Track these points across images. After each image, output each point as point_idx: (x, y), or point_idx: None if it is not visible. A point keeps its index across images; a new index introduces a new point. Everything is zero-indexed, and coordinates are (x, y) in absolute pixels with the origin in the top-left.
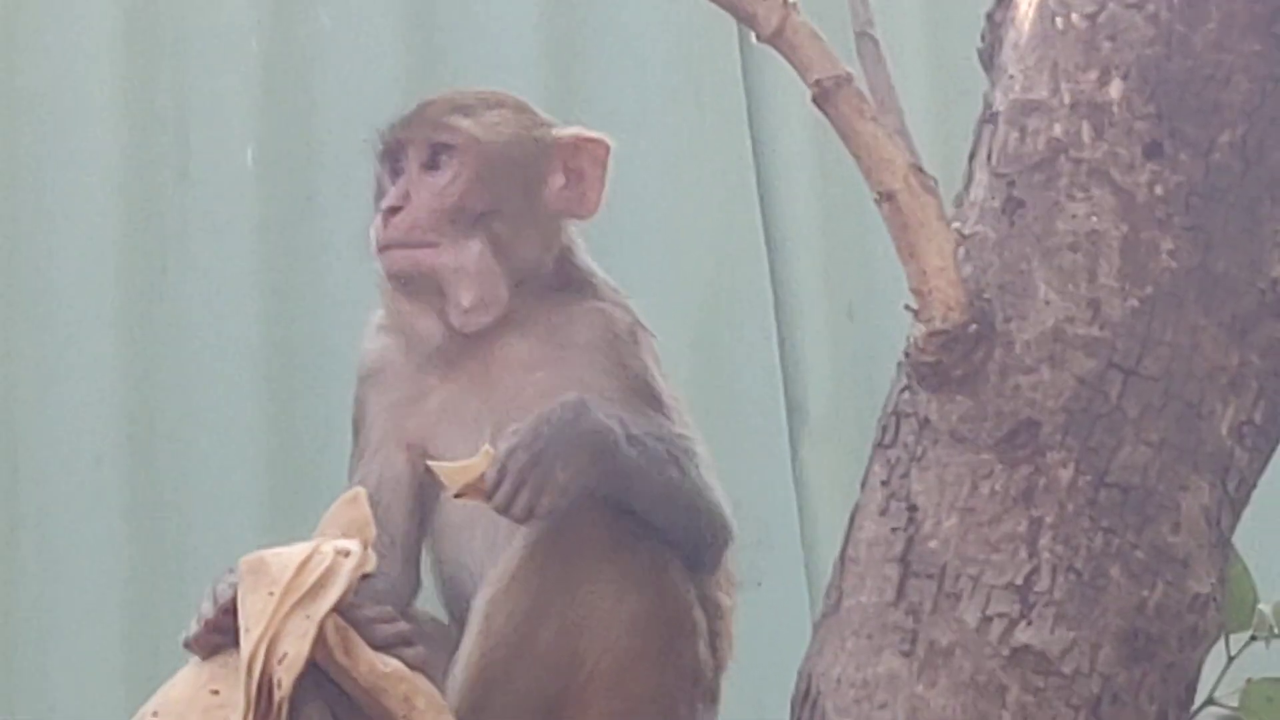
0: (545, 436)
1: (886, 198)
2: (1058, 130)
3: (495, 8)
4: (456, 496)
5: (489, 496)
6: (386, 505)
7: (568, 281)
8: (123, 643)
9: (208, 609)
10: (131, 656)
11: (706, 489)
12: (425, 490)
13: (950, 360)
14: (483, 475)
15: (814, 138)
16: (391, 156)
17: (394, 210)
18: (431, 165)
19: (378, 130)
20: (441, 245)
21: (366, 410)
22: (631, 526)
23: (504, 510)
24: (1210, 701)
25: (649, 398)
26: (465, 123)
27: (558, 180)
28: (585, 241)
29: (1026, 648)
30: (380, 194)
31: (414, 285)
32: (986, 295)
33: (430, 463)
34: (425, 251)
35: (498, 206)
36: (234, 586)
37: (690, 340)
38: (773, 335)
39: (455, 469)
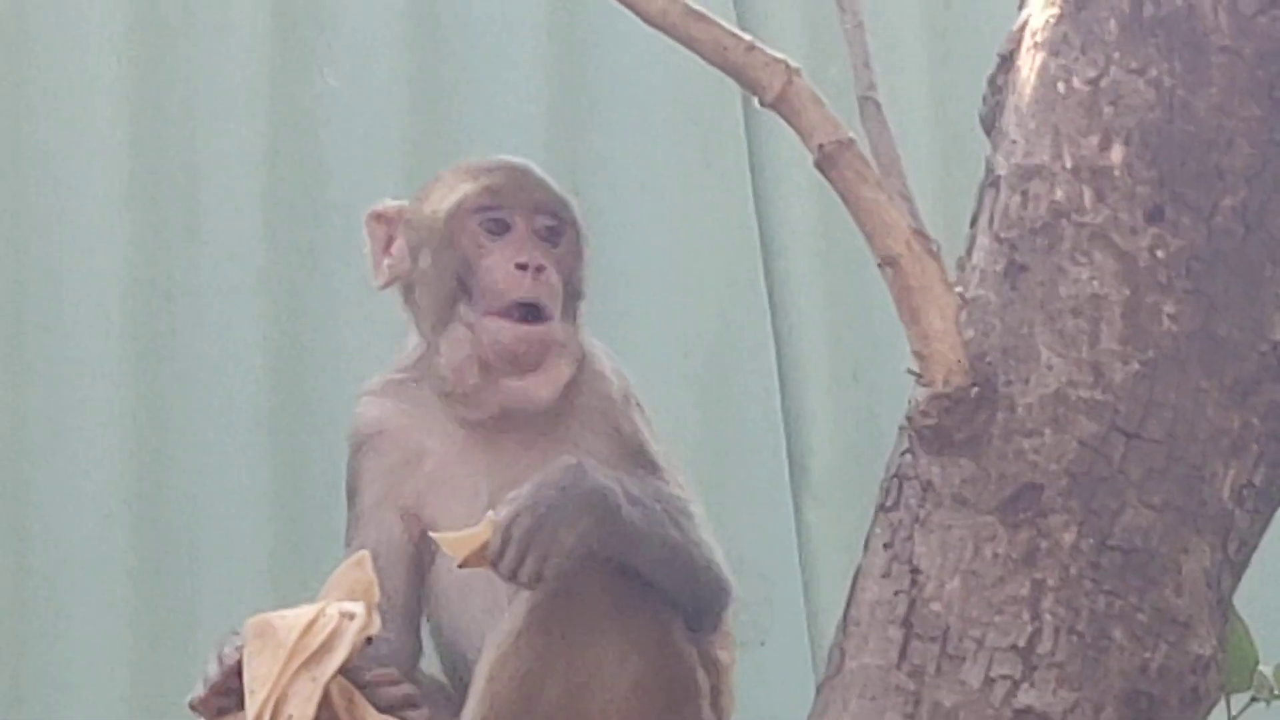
0: (547, 500)
1: (889, 262)
2: (1059, 195)
3: (501, 70)
4: (460, 566)
5: (494, 564)
6: (384, 570)
7: None
8: (129, 702)
9: (213, 671)
10: (138, 714)
11: (706, 549)
12: (422, 555)
13: (952, 423)
14: (486, 543)
15: (817, 200)
16: (491, 213)
17: (540, 269)
18: (549, 237)
19: (482, 188)
20: (552, 325)
21: (362, 476)
22: (633, 588)
23: (510, 577)
24: None
25: (645, 460)
26: (572, 199)
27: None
28: (592, 300)
29: (1029, 709)
30: (466, 252)
31: (519, 359)
32: (989, 359)
33: (432, 534)
34: (546, 329)
35: (583, 290)
36: (239, 649)
37: (694, 399)
38: (776, 395)
39: (458, 539)
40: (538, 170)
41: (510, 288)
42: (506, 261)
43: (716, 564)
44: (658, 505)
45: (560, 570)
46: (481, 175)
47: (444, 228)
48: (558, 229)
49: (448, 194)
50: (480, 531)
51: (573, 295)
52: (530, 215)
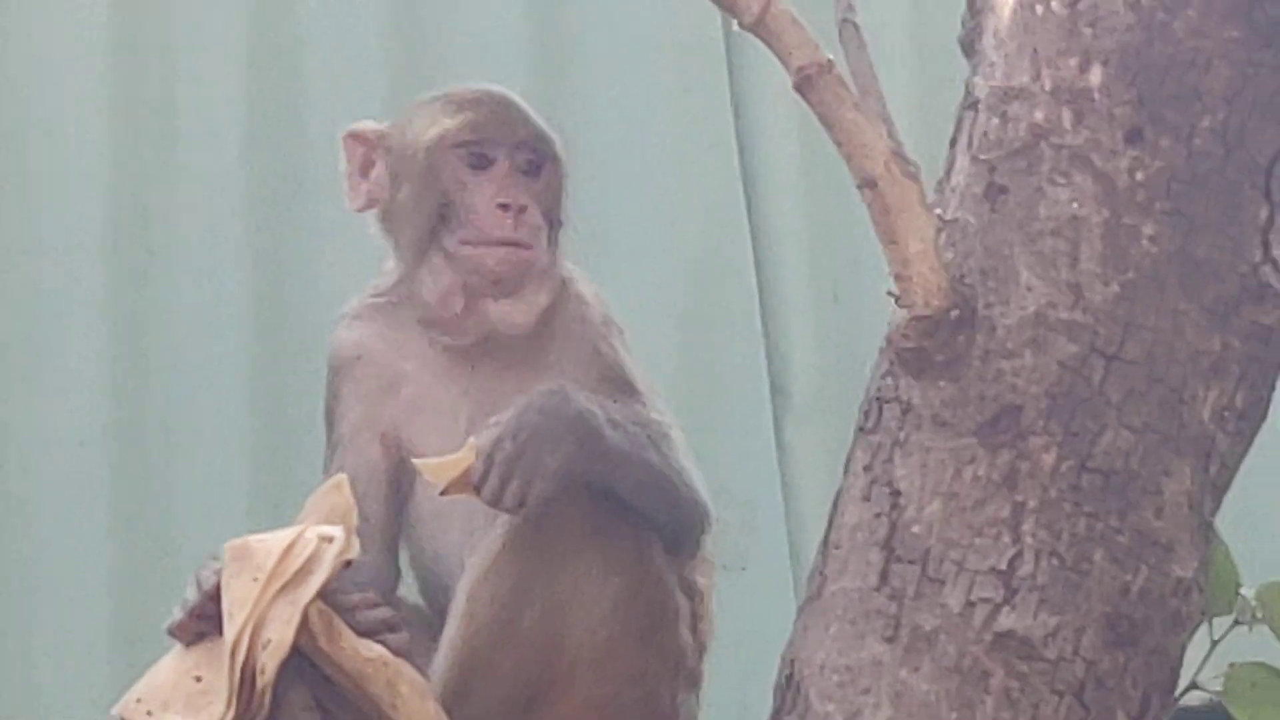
0: (529, 425)
1: (868, 184)
2: (1039, 116)
3: (475, 6)
4: (443, 493)
5: (478, 490)
6: (363, 495)
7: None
8: (108, 628)
9: (192, 595)
10: (116, 641)
11: (685, 473)
12: (401, 479)
13: (932, 346)
14: (469, 469)
15: (798, 124)
16: (473, 148)
17: (522, 209)
18: (530, 171)
19: (463, 123)
20: (536, 249)
21: (340, 400)
22: (612, 511)
23: (495, 502)
24: (1194, 686)
25: (624, 385)
26: (552, 132)
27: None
28: (573, 226)
29: (1010, 633)
30: (447, 186)
31: (500, 284)
32: (968, 281)
33: (415, 461)
34: (530, 253)
35: (563, 218)
36: (218, 573)
37: (675, 324)
38: (757, 319)
39: (440, 464)
40: (520, 102)
41: (493, 228)
42: (489, 200)
43: (695, 488)
44: (638, 429)
45: (544, 495)
46: (464, 108)
47: (424, 160)
48: (538, 162)
49: (429, 125)
50: (462, 457)
51: (553, 225)
52: (512, 150)
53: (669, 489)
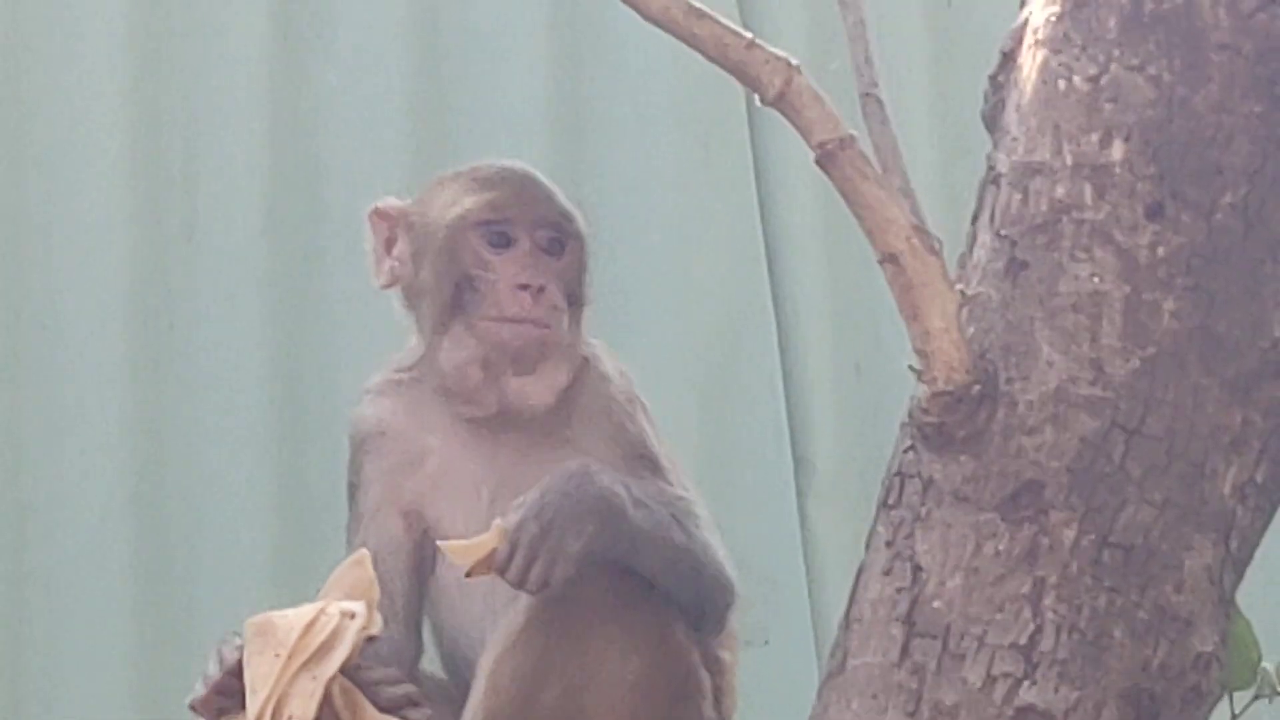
0: (553, 506)
1: (890, 259)
2: (1060, 192)
3: (503, 69)
4: (468, 575)
5: (502, 572)
6: (385, 571)
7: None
8: (130, 703)
9: (214, 670)
10: (139, 718)
11: (711, 550)
12: (424, 555)
13: (954, 421)
14: (493, 551)
15: (820, 198)
16: (494, 227)
17: (541, 289)
18: (552, 250)
19: (487, 201)
20: (555, 328)
21: (363, 475)
22: (635, 587)
23: (519, 584)
24: None
25: (648, 462)
26: (575, 211)
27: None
28: (597, 297)
29: (1031, 708)
30: (468, 266)
31: (519, 360)
32: (990, 356)
33: (440, 543)
34: (548, 332)
35: (585, 298)
36: (240, 649)
37: (698, 397)
38: (780, 392)
39: (465, 547)
40: (541, 180)
41: (513, 308)
42: (509, 280)
43: (721, 565)
44: (662, 507)
45: (567, 577)
46: (486, 187)
47: (445, 239)
48: (561, 240)
49: (450, 205)
50: (487, 539)
51: (575, 303)
52: (533, 229)
53: (694, 567)
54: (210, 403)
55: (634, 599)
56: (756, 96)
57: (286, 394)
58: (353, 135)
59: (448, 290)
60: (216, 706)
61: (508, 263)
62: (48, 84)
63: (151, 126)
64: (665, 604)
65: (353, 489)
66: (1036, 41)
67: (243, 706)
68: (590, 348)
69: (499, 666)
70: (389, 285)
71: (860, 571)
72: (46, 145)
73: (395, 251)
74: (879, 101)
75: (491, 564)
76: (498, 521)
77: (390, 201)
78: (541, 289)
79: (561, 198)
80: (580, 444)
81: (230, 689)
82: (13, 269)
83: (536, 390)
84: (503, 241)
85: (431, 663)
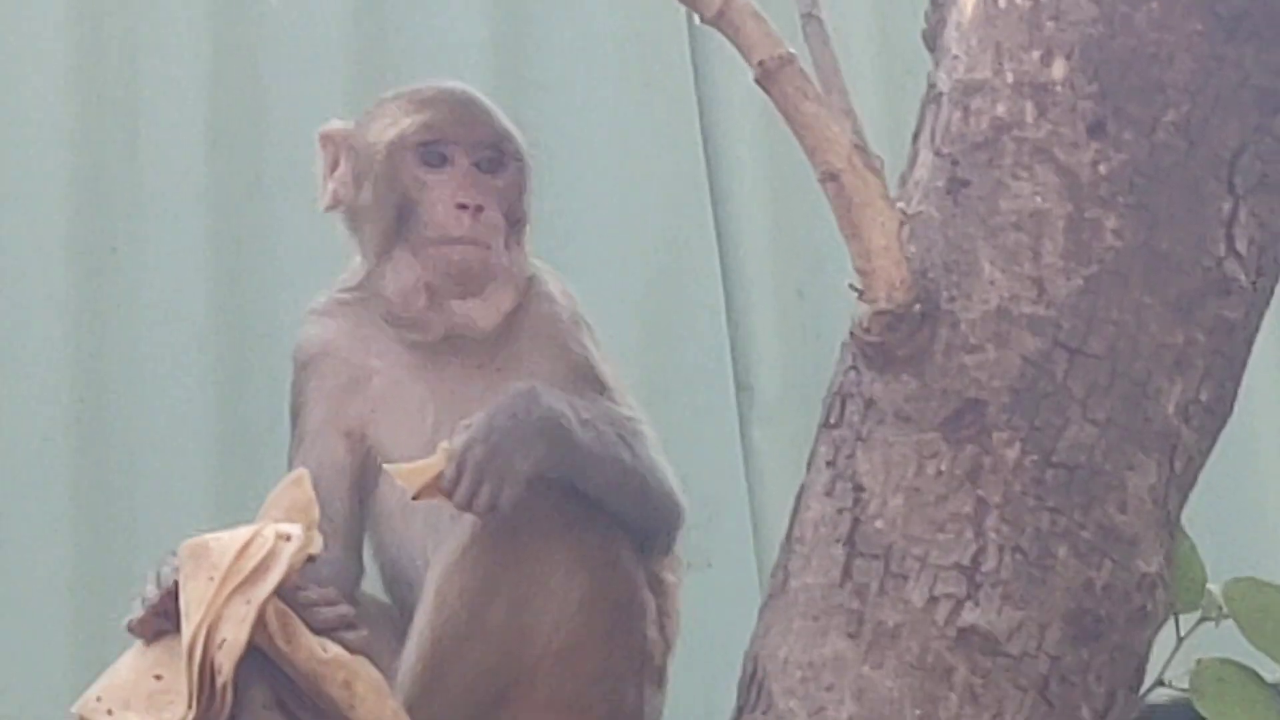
0: (500, 428)
1: (830, 178)
2: (1001, 110)
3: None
4: (415, 498)
5: (449, 494)
6: (327, 492)
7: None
8: (69, 624)
9: (151, 592)
10: (78, 638)
11: (658, 470)
12: (366, 476)
13: (895, 340)
14: (440, 474)
15: (762, 120)
16: (431, 147)
17: (479, 209)
18: (490, 169)
19: (419, 123)
20: (496, 248)
21: (306, 396)
22: (581, 506)
23: (466, 506)
24: (1160, 683)
25: (594, 381)
26: (514, 130)
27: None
28: (539, 220)
29: (973, 628)
30: (404, 187)
31: (463, 283)
32: (931, 275)
33: (386, 466)
34: (489, 252)
35: (526, 216)
36: (177, 570)
37: (640, 320)
38: (722, 315)
39: (411, 470)
40: (479, 99)
41: (450, 227)
42: (447, 199)
43: (668, 485)
44: (609, 427)
45: (515, 498)
46: (423, 107)
47: (384, 161)
48: (499, 160)
49: (388, 126)
50: (434, 462)
51: (516, 223)
52: (470, 149)
53: (641, 486)
54: (153, 325)
55: (580, 519)
56: (696, 15)
57: (229, 316)
58: (295, 56)
59: (388, 212)
60: (154, 628)
61: (445, 183)
62: None
63: (92, 47)
64: (611, 525)
65: (295, 410)
66: None
67: (180, 628)
68: (534, 269)
69: (445, 584)
70: (332, 207)
71: (801, 492)
72: None
73: (337, 173)
74: (819, 21)
75: (438, 486)
76: (444, 444)
77: (335, 124)
78: (480, 208)
79: (500, 117)
80: (526, 365)
81: (168, 610)
82: None
83: (481, 312)
84: (440, 161)
85: (373, 585)
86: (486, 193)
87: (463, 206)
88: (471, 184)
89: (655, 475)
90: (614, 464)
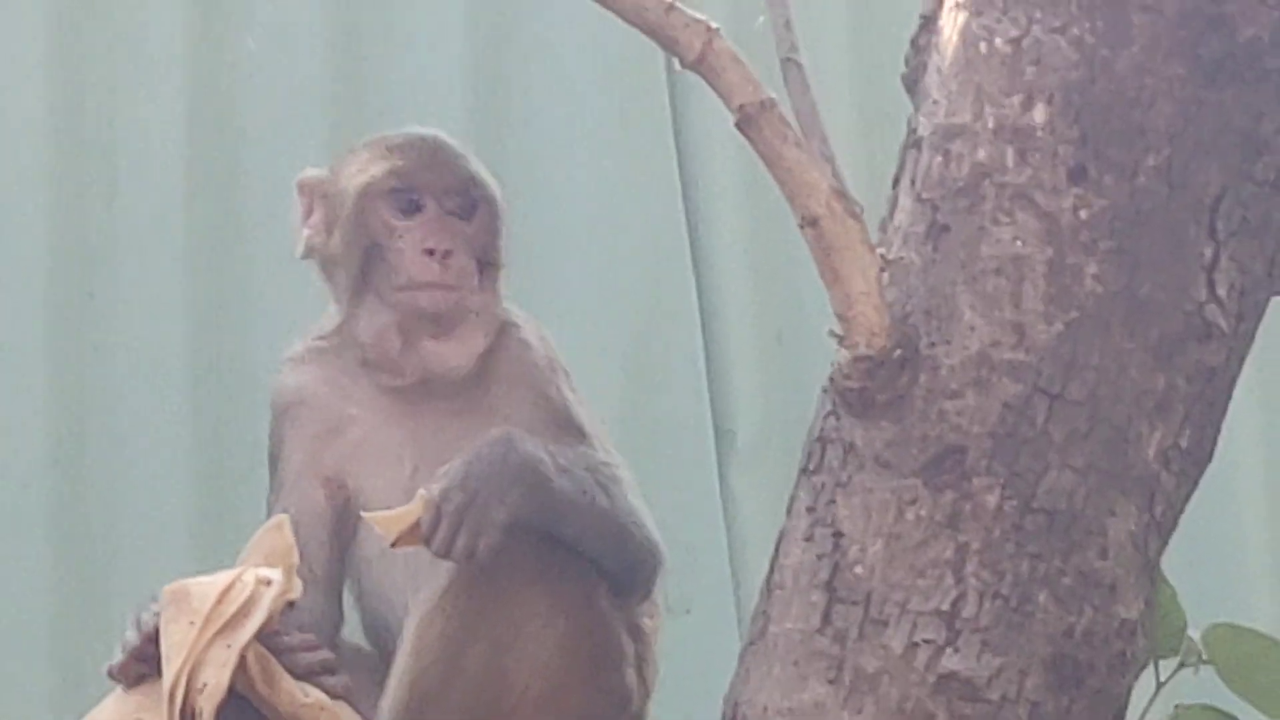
0: (478, 475)
1: (810, 223)
2: (981, 155)
3: (421, 32)
4: (393, 546)
5: (427, 542)
6: (306, 539)
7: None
8: (48, 669)
9: (132, 637)
10: (57, 683)
11: (636, 516)
12: (345, 523)
13: (875, 386)
14: (418, 521)
15: (741, 163)
16: (401, 195)
17: (447, 254)
18: (461, 215)
19: (388, 171)
20: (467, 289)
21: (284, 444)
22: (559, 552)
23: (444, 554)
24: None
25: (571, 428)
26: (484, 174)
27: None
28: (516, 265)
29: (953, 674)
30: (374, 234)
31: (434, 324)
32: (911, 320)
33: (364, 514)
34: (459, 293)
35: (498, 259)
36: (157, 615)
37: (619, 365)
38: (700, 361)
39: (390, 517)
40: (450, 145)
41: (419, 273)
42: (415, 246)
43: (647, 530)
44: (587, 474)
45: (492, 546)
46: (392, 154)
47: (354, 207)
48: (469, 205)
49: (359, 173)
50: (412, 509)
51: (488, 266)
52: (441, 195)
53: (619, 532)
54: (130, 370)
55: (558, 564)
56: (676, 60)
57: (207, 362)
58: (272, 102)
59: (358, 258)
60: (135, 673)
61: (415, 229)
62: None
63: (71, 93)
64: (589, 570)
65: (274, 457)
66: (957, 4)
67: (160, 673)
68: (509, 314)
69: (424, 630)
70: (306, 255)
71: (781, 538)
72: None
73: (311, 220)
74: (799, 66)
75: (416, 534)
76: (422, 491)
77: (310, 172)
78: (448, 253)
79: (471, 162)
80: (503, 411)
81: (149, 655)
82: None
83: (454, 354)
84: (411, 208)
85: (353, 633)
86: (456, 238)
87: (430, 252)
88: (440, 229)
89: (634, 521)
90: (591, 510)
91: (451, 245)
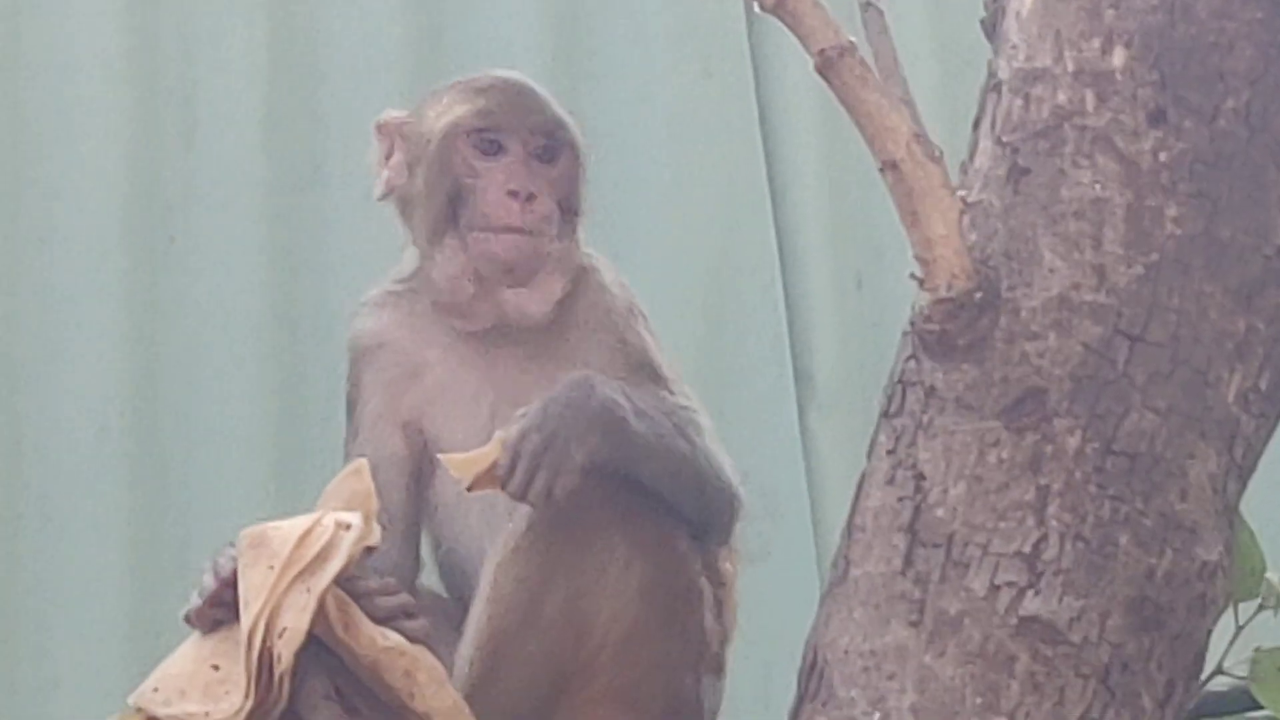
0: (555, 418)
1: (890, 166)
2: (1062, 98)
3: None
4: (469, 489)
5: (503, 485)
6: (383, 483)
7: (581, 270)
8: (126, 615)
9: (209, 583)
10: (134, 629)
11: (714, 459)
12: (422, 468)
13: (956, 328)
14: (494, 464)
15: (820, 107)
16: (486, 134)
17: (530, 198)
18: (544, 158)
19: (474, 111)
20: (548, 237)
21: (361, 388)
22: (637, 496)
23: (520, 497)
24: (1219, 671)
25: (650, 372)
26: (569, 118)
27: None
28: (596, 212)
29: (1035, 617)
30: (459, 172)
31: (511, 272)
32: (992, 263)
33: (440, 456)
34: (540, 240)
35: (580, 206)
36: (235, 560)
37: (698, 311)
38: (780, 305)
39: (466, 460)
40: (535, 88)
41: (501, 215)
42: (499, 187)
43: (725, 474)
44: (664, 417)
45: (569, 489)
46: (477, 95)
47: (438, 148)
48: (553, 148)
49: (443, 113)
50: (489, 452)
51: (570, 212)
52: (525, 137)
53: (697, 476)
54: (209, 315)
55: (637, 508)
56: (756, 3)
57: (286, 305)
58: (351, 43)
59: (439, 199)
60: (211, 619)
61: (498, 170)
62: (44, 3)
63: (148, 38)
64: (668, 514)
65: (351, 401)
66: None
67: (237, 618)
68: (589, 259)
69: (502, 574)
70: (385, 196)
71: (862, 480)
72: (43, 58)
73: (392, 162)
74: (878, 10)
75: (493, 477)
76: (499, 434)
77: (390, 113)
78: (531, 196)
79: (555, 105)
80: (581, 356)
81: (226, 600)
82: (10, 183)
83: (532, 302)
84: (494, 149)
85: (430, 579)
86: (539, 181)
87: (514, 194)
88: (524, 172)
89: (711, 465)
90: (669, 454)
91: (535, 188)
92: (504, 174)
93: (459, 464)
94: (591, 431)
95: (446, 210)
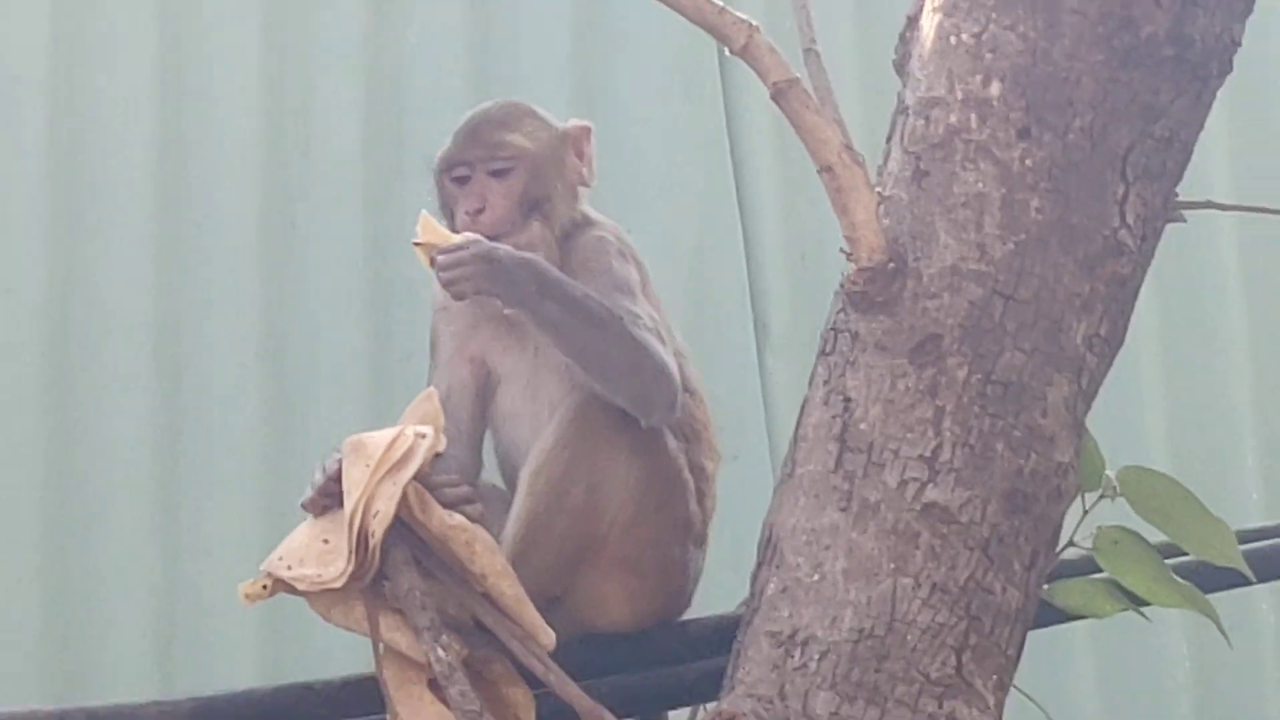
0: (505, 254)
1: (826, 169)
2: (953, 119)
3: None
4: (415, 244)
5: (433, 263)
6: (455, 404)
7: (580, 226)
8: (262, 505)
9: (319, 478)
10: (267, 514)
11: (652, 346)
12: (485, 392)
13: (874, 290)
14: (446, 247)
15: (774, 125)
16: (454, 171)
17: (479, 211)
18: (497, 173)
19: (442, 157)
20: (513, 231)
21: (439, 335)
22: (632, 417)
23: (446, 282)
24: (1071, 544)
25: (625, 290)
26: (514, 137)
27: (573, 161)
28: (605, 204)
29: (934, 504)
30: (447, 201)
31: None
32: (901, 241)
33: (424, 212)
34: (505, 239)
35: (546, 193)
36: (339, 461)
37: (682, 278)
38: (744, 273)
39: (435, 232)
40: (491, 119)
41: (465, 228)
42: (462, 208)
43: (662, 360)
44: (602, 308)
45: (479, 291)
46: (451, 140)
47: (435, 184)
48: (505, 167)
49: (437, 155)
50: (453, 239)
51: (535, 200)
52: (482, 164)
53: (632, 358)
54: (323, 279)
55: (635, 425)
56: (726, 49)
57: (380, 276)
58: (427, 78)
59: (447, 218)
60: (321, 505)
61: (462, 196)
62: (195, 38)
63: (276, 71)
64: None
65: (433, 344)
66: (934, 7)
67: (341, 505)
68: (588, 216)
69: (535, 476)
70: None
71: (804, 403)
72: (197, 85)
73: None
74: (817, 54)
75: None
76: (467, 234)
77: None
78: (479, 210)
79: (503, 131)
80: (580, 281)
81: (333, 491)
82: (172, 181)
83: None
84: (464, 178)
85: (492, 475)
86: (492, 195)
87: (468, 212)
88: (478, 191)
89: (649, 348)
90: (601, 333)
91: (481, 204)
92: (464, 198)
93: (430, 229)
94: (528, 281)
95: (452, 225)
